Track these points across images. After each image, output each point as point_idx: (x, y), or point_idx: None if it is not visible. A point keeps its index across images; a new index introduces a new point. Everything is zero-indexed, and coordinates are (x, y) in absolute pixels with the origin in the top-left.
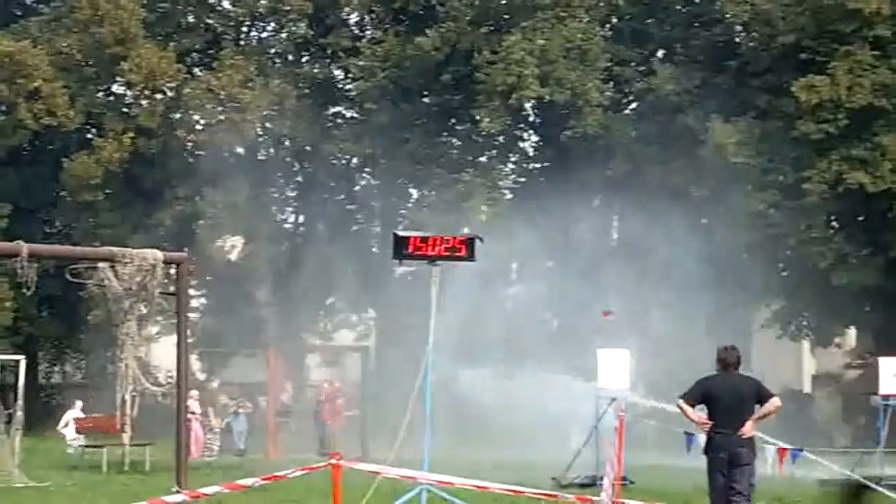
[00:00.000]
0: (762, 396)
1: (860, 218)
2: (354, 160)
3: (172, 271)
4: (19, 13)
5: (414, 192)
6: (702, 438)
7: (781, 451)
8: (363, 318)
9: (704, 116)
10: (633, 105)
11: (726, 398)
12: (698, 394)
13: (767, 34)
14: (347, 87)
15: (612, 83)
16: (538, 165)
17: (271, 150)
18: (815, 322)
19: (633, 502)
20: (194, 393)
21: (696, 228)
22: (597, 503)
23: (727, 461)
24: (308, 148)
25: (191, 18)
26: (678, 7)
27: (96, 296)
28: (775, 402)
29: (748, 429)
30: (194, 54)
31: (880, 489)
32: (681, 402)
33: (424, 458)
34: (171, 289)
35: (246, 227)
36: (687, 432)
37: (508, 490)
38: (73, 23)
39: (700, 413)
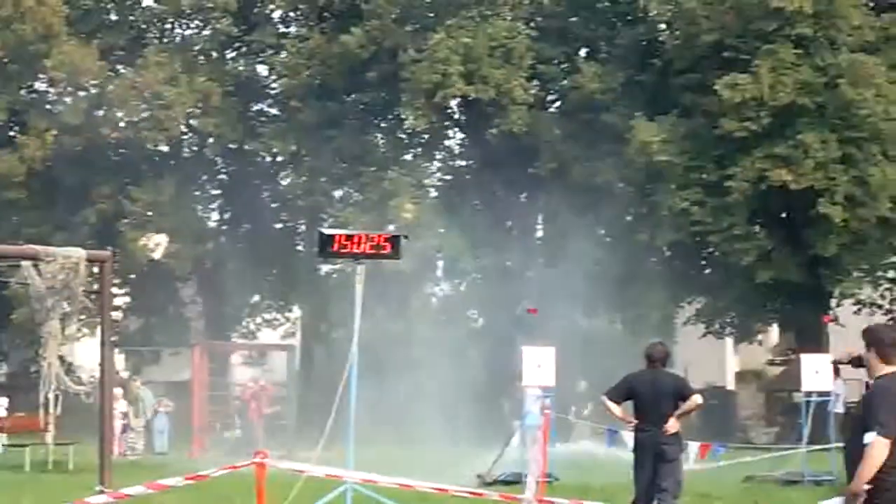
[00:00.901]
0: (684, 393)
1: (783, 215)
2: (279, 158)
3: (96, 270)
4: None
5: (339, 191)
6: (627, 435)
7: (703, 447)
8: (288, 317)
9: (629, 114)
10: (558, 103)
11: (649, 395)
12: (623, 390)
13: (691, 32)
14: (272, 84)
15: (536, 81)
16: (464, 163)
17: (195, 148)
18: (738, 319)
19: (558, 499)
20: (118, 392)
21: (621, 226)
22: (521, 500)
23: (652, 458)
24: (233, 145)
25: (114, 15)
26: (602, 5)
27: (19, 294)
28: (696, 399)
29: (671, 426)
30: (118, 51)
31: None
32: (604, 398)
33: (349, 457)
34: (95, 287)
35: (170, 226)
36: (609, 429)
37: (434, 488)
38: None
39: (624, 410)
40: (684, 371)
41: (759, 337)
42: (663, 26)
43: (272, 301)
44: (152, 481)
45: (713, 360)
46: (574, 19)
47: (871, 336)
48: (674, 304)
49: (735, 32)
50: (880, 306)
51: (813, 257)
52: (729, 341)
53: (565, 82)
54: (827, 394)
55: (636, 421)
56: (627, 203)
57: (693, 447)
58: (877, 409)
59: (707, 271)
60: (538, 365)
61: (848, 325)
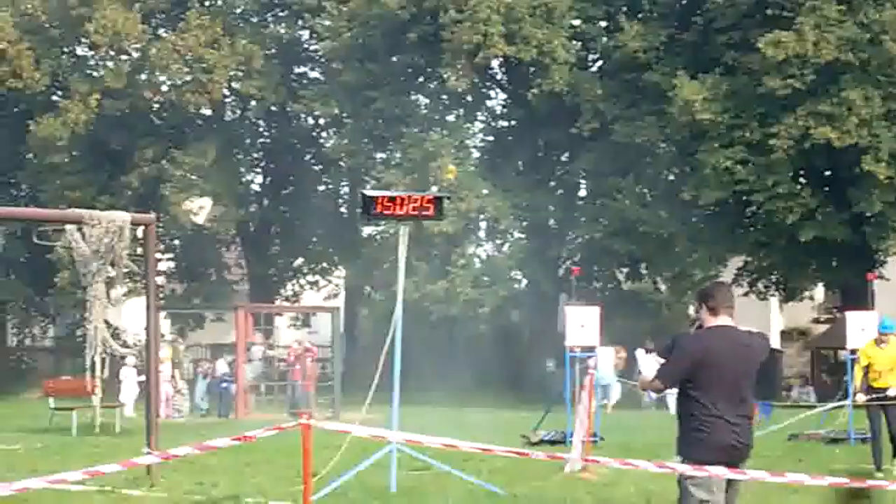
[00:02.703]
0: None
1: (827, 173)
2: (321, 120)
3: (140, 233)
4: None
5: (382, 153)
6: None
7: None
8: (330, 280)
9: (671, 73)
10: (600, 62)
11: None
12: (670, 348)
13: None
14: (314, 47)
15: (578, 40)
16: (505, 124)
17: (238, 111)
18: (782, 278)
19: (603, 458)
20: (164, 355)
21: (663, 185)
22: (567, 460)
23: None
24: (275, 108)
25: None
26: None
27: (63, 258)
28: None
29: None
30: (160, 14)
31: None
32: (654, 354)
33: (394, 418)
34: (139, 251)
35: (213, 189)
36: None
37: (478, 448)
38: None
39: None
40: None
41: (807, 294)
42: None
43: (315, 263)
44: (199, 442)
45: (758, 318)
46: None
47: (699, 295)
48: (717, 263)
49: None
50: None
51: (857, 215)
52: (774, 300)
53: (607, 41)
54: None
55: None
56: (670, 162)
57: None
58: (667, 355)
59: (751, 230)
60: (581, 325)
61: (894, 281)
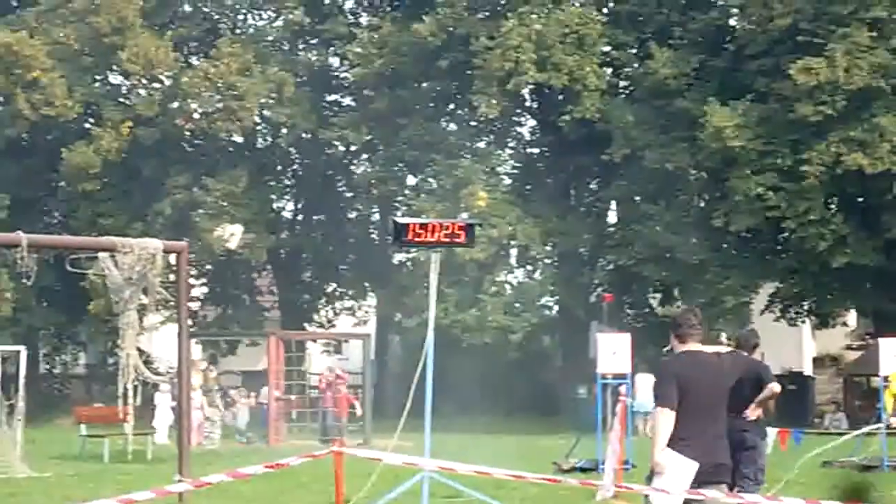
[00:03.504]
0: (763, 380)
1: (859, 199)
2: (353, 147)
3: (172, 260)
4: (16, 4)
5: (412, 179)
6: None
7: (783, 432)
8: (361, 305)
9: (702, 99)
10: (631, 89)
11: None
12: None
13: (763, 16)
14: (344, 74)
15: (609, 67)
16: (536, 150)
17: (269, 138)
18: (814, 304)
19: (636, 486)
20: (196, 382)
21: (695, 212)
22: (599, 488)
23: (733, 444)
24: (306, 135)
25: (187, 7)
26: None
27: (96, 286)
28: (773, 387)
29: (750, 412)
30: (192, 43)
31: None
32: None
33: (426, 445)
34: (171, 278)
35: (245, 216)
36: None
37: (511, 475)
38: (70, 12)
39: None
40: (761, 356)
41: (839, 320)
42: (736, 10)
43: (347, 290)
44: (232, 469)
45: (790, 344)
46: (646, 4)
47: (671, 324)
48: (749, 289)
49: (809, 16)
50: None
51: (890, 241)
52: (806, 326)
53: (638, 67)
54: None
55: None
56: (701, 188)
57: (772, 434)
58: (656, 384)
59: (782, 256)
60: (613, 352)
61: None
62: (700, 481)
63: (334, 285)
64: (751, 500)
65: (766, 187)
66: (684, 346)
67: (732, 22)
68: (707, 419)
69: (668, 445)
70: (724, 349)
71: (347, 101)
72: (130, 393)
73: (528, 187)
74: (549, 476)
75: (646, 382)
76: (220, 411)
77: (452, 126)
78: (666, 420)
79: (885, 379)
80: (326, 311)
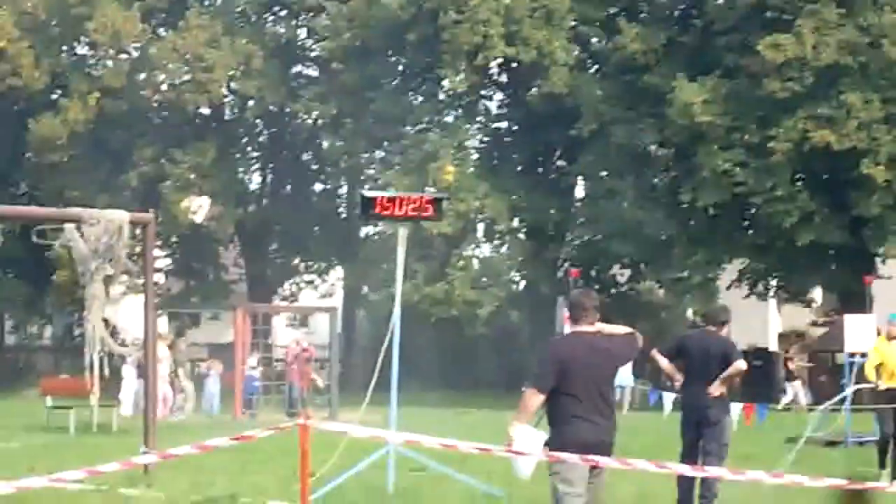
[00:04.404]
0: (730, 358)
1: (825, 176)
2: (320, 120)
3: (139, 232)
4: None
5: (380, 153)
6: (668, 397)
7: (747, 408)
8: (325, 279)
9: (670, 75)
10: (599, 64)
11: (698, 356)
12: (674, 347)
13: None
14: (313, 47)
15: (577, 42)
16: (504, 125)
17: (237, 111)
18: (781, 280)
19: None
20: (163, 354)
21: (662, 187)
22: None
23: (696, 420)
24: (274, 108)
25: None
26: None
27: (62, 257)
28: (739, 364)
29: (714, 388)
30: (159, 14)
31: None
32: (654, 351)
33: (392, 419)
34: (138, 249)
35: (212, 188)
36: (655, 387)
37: (477, 449)
38: None
39: (672, 366)
40: (727, 332)
41: (805, 296)
42: None
43: (313, 263)
44: (198, 442)
45: (756, 320)
46: None
47: (567, 305)
48: (716, 265)
49: None
50: None
51: (856, 218)
52: (772, 302)
53: (606, 43)
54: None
55: (681, 380)
56: (668, 164)
57: (737, 408)
58: (537, 363)
59: (749, 233)
60: None
61: (892, 282)
62: (588, 457)
63: (301, 259)
64: (715, 472)
65: (733, 163)
66: (577, 326)
67: None
68: (593, 398)
69: (556, 424)
70: (618, 330)
71: (315, 74)
72: (97, 364)
73: (495, 162)
74: (516, 450)
75: None
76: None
77: (421, 100)
78: (531, 399)
79: (851, 355)
80: (292, 284)
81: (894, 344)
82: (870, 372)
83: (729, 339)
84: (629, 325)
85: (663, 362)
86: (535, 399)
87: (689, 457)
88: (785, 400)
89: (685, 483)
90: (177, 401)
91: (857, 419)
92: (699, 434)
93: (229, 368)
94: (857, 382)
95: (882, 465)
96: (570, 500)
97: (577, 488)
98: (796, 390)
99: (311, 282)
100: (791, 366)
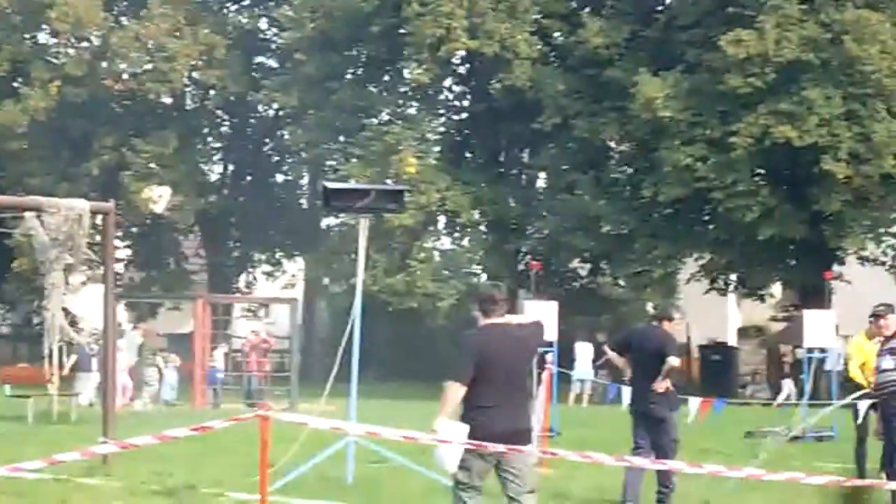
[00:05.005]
0: (665, 353)
1: (786, 172)
2: (282, 111)
3: (99, 221)
4: None
5: (342, 144)
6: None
7: (704, 403)
8: (286, 270)
9: (632, 70)
10: (562, 58)
11: (640, 351)
12: (621, 342)
13: None
14: (276, 37)
15: (541, 36)
16: (466, 117)
17: (198, 100)
18: (741, 275)
19: (561, 451)
20: (122, 343)
21: (624, 181)
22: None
23: (641, 412)
24: (235, 98)
25: None
26: None
27: (21, 244)
28: (671, 361)
29: (657, 385)
30: (122, 2)
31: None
32: (606, 346)
33: (352, 410)
34: (98, 238)
35: (173, 178)
36: (613, 381)
37: (437, 441)
38: None
39: (626, 361)
40: (686, 326)
41: (765, 291)
42: None
43: (274, 254)
44: (157, 432)
45: (715, 315)
46: None
47: (474, 298)
48: (677, 259)
49: None
50: (883, 263)
51: (816, 214)
52: (731, 297)
53: (569, 37)
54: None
55: (630, 372)
56: (630, 158)
57: (694, 404)
58: (456, 357)
59: (710, 227)
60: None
61: (852, 280)
62: (504, 444)
63: (262, 249)
64: (673, 465)
65: (694, 158)
66: (488, 318)
67: None
68: (508, 387)
69: (472, 413)
70: (526, 320)
71: (277, 64)
72: (55, 353)
73: (457, 154)
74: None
75: (584, 351)
76: (159, 374)
77: (383, 92)
78: (452, 392)
79: (810, 350)
80: (253, 275)
81: (875, 343)
82: (855, 373)
83: (668, 334)
84: (590, 318)
85: (613, 356)
86: (454, 391)
87: (638, 450)
88: (780, 398)
89: (630, 476)
90: (162, 388)
91: (814, 414)
92: (647, 427)
93: (187, 359)
94: (844, 387)
95: (861, 471)
96: (464, 491)
97: (474, 480)
98: (790, 388)
99: (271, 273)
100: (786, 361)
